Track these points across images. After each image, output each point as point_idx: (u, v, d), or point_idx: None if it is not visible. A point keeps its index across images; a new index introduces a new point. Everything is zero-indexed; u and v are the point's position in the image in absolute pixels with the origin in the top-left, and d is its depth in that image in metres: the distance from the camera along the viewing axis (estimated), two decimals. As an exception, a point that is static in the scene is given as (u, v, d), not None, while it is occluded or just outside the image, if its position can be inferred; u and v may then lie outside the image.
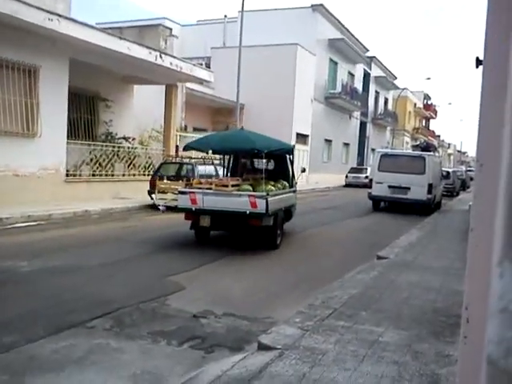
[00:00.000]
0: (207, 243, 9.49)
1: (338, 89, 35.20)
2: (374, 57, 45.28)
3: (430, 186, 16.53)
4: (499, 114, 0.85)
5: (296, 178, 11.24)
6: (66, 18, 12.67)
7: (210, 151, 10.86)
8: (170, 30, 20.99)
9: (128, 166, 16.67)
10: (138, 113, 19.57)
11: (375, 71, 45.99)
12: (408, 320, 4.84)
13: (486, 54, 1.04)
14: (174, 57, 17.10)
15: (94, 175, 15.16)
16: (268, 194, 8.70)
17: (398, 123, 50.66)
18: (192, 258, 8.03)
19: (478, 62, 1.24)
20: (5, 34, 11.59)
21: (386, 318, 4.84)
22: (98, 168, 15.37)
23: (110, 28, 18.30)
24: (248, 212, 8.50)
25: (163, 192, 10.40)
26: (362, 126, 43.68)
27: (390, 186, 16.85)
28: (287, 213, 10.32)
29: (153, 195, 11.17)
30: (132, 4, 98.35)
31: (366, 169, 32.07)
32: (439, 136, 74.33)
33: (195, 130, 25.11)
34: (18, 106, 12.48)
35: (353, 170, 33.73)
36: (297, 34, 29.86)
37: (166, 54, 16.57)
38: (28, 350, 4.07)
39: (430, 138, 60.76)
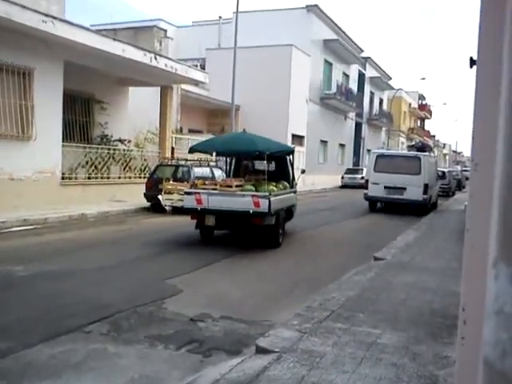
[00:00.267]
0: (205, 245, 9.50)
1: (333, 89, 35.27)
2: (369, 57, 45.39)
3: (426, 187, 16.57)
4: (493, 114, 0.84)
5: (296, 179, 11.57)
6: (61, 20, 12.63)
7: (214, 153, 11.30)
8: (165, 31, 21.00)
9: (124, 169, 16.64)
10: (134, 115, 19.53)
11: (370, 72, 46.10)
12: (405, 321, 4.84)
13: (480, 54, 1.04)
14: (169, 58, 17.09)
15: (89, 178, 15.12)
16: (270, 194, 9.06)
17: (393, 124, 50.79)
18: (189, 261, 8.01)
19: (472, 62, 1.24)
20: (-2, 36, 11.56)
21: (383, 320, 4.84)
22: (93, 171, 15.33)
23: (105, 30, 18.29)
24: (251, 211, 8.87)
25: (169, 193, 10.76)
26: (358, 126, 43.76)
27: (385, 187, 16.88)
28: (288, 212, 10.71)
29: (159, 196, 11.46)
30: (126, 5, 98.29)
31: (362, 169, 32.13)
32: (434, 136, 74.56)
33: (190, 131, 25.11)
34: (13, 109, 12.43)
35: (349, 171, 33.79)
36: (292, 35, 29.90)
37: (160, 55, 16.56)
38: (25, 355, 4.04)
39: (425, 138, 60.94)
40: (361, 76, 43.75)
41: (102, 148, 16.15)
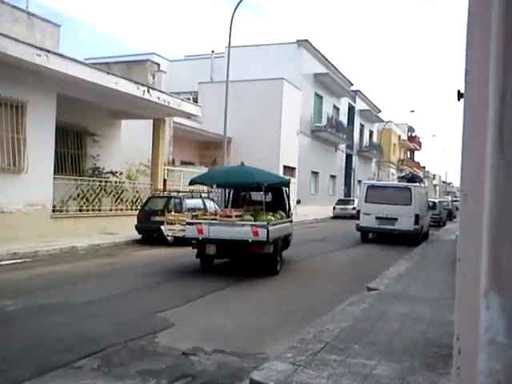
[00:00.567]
0: (198, 276, 9.45)
1: (324, 122, 35.76)
2: (359, 90, 46.23)
3: (417, 217, 16.65)
4: (481, 146, 0.87)
5: (292, 209, 11.92)
6: (55, 53, 12.82)
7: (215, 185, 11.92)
8: (158, 65, 21.30)
9: (115, 201, 16.59)
10: (126, 147, 19.61)
11: (360, 105, 46.89)
12: (400, 352, 4.80)
13: (467, 87, 1.07)
14: (162, 92, 17.30)
15: (80, 210, 15.04)
16: (268, 224, 9.46)
17: (383, 155, 51.37)
18: (182, 293, 7.93)
19: (460, 95, 1.27)
20: (-8, 69, 11.68)
21: (378, 351, 4.79)
22: (84, 203, 15.27)
23: (98, 63, 18.52)
24: (250, 240, 9.24)
25: (172, 223, 11.26)
26: (348, 158, 44.20)
27: (377, 217, 16.94)
28: (285, 241, 11.15)
29: (162, 226, 11.91)
30: (120, 41, 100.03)
31: (353, 200, 32.27)
32: (424, 167, 75.39)
33: (183, 163, 25.21)
34: (5, 141, 12.45)
35: (340, 202, 33.94)
36: (283, 69, 30.47)
37: (153, 88, 16.77)
38: (12, 392, 3.94)
39: (415, 169, 61.57)
40: (351, 109, 44.46)
41: (93, 180, 16.14)
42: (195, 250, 10.07)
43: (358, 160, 46.84)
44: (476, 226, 0.89)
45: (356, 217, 18.18)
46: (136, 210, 16.11)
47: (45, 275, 9.16)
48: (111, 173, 17.58)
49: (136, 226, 14.53)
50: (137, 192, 17.87)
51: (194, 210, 14.21)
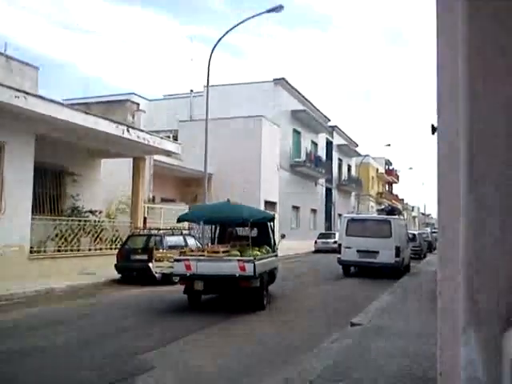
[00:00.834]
0: (182, 315, 9.26)
1: (303, 157, 36.23)
2: (336, 126, 47.16)
3: (398, 249, 16.75)
4: (455, 181, 0.88)
5: (277, 243, 12.20)
6: (33, 95, 12.84)
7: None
8: (138, 104, 21.47)
9: (94, 240, 16.36)
10: (106, 185, 19.51)
11: (337, 140, 47.74)
12: (386, 389, 4.74)
13: (439, 122, 1.11)
14: (142, 130, 17.39)
15: (59, 251, 14.78)
16: (255, 259, 9.70)
17: (362, 188, 52.01)
18: (162, 334, 7.76)
19: (434, 129, 1.31)
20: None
21: (363, 388, 4.72)
22: (63, 243, 15.01)
23: (78, 104, 18.59)
24: (237, 275, 9.43)
25: (160, 260, 11.20)
26: (328, 192, 44.62)
27: (358, 251, 16.98)
28: (271, 275, 11.35)
29: (150, 264, 12.09)
30: (99, 80, 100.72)
31: (335, 234, 32.38)
32: (403, 199, 76.39)
33: (163, 200, 25.09)
34: (-18, 183, 12.27)
35: (321, 236, 34.02)
36: (261, 106, 31.01)
37: (133, 127, 16.84)
38: None
39: (393, 201, 62.34)
40: (329, 144, 45.21)
41: (72, 220, 15.93)
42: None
43: (337, 194, 47.31)
44: (454, 259, 0.91)
45: (338, 250, 18.21)
46: (115, 249, 15.88)
47: (20, 318, 8.88)
48: (90, 212, 17.39)
49: (115, 266, 14.29)
50: (116, 231, 17.66)
51: (174, 247, 14.11)
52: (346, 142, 49.84)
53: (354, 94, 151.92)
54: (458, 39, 0.85)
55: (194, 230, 19.47)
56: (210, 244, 12.31)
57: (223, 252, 10.04)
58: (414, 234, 27.15)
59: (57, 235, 15.00)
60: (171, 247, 14.22)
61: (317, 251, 31.83)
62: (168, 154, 20.55)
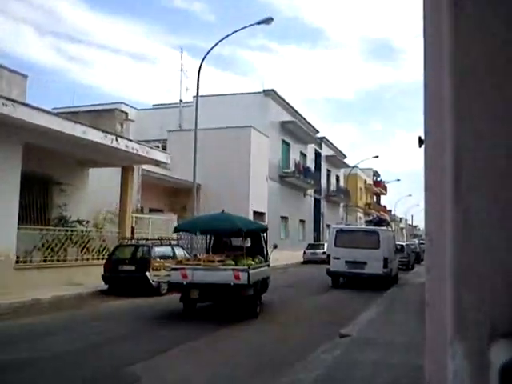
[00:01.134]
0: (170, 326, 9.17)
1: (292, 168, 36.34)
2: (324, 137, 47.45)
3: (386, 260, 16.82)
4: (443, 193, 0.89)
5: (269, 253, 12.48)
6: (21, 103, 12.74)
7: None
8: (126, 114, 21.41)
9: (81, 251, 16.18)
10: (93, 195, 19.35)
11: (326, 151, 48.01)
12: (374, 400, 4.74)
13: (426, 135, 1.13)
14: (130, 140, 17.31)
15: (45, 261, 14.58)
16: (249, 268, 10.09)
17: (350, 199, 52.23)
18: (150, 345, 7.68)
19: (421, 142, 1.32)
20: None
21: (352, 400, 4.72)
22: (49, 253, 14.83)
23: (66, 112, 18.49)
24: (232, 283, 9.76)
25: (157, 269, 11.66)
26: (317, 202, 44.74)
27: (347, 262, 17.01)
28: (264, 284, 11.61)
29: (147, 273, 12.38)
30: (89, 87, 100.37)
31: (323, 245, 32.41)
32: (391, 211, 76.81)
33: (152, 210, 24.96)
34: (-33, 192, 12.11)
35: (310, 246, 34.02)
36: (250, 117, 31.09)
37: (121, 137, 16.76)
38: None
39: (381, 212, 62.66)
40: (317, 155, 45.43)
41: (59, 230, 15.76)
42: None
43: (326, 205, 47.46)
44: (442, 271, 0.92)
45: (326, 261, 18.23)
46: (103, 259, 15.71)
47: (5, 330, 8.74)
48: (78, 222, 17.23)
49: (103, 276, 14.14)
50: (104, 241, 17.50)
51: (162, 257, 14.03)
52: (334, 154, 50.14)
53: (343, 105, 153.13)
54: (444, 54, 0.86)
55: (183, 241, 19.37)
56: (201, 254, 12.59)
57: (218, 261, 10.39)
58: (401, 245, 27.26)
59: (43, 245, 14.82)
60: (159, 257, 14.16)
61: (306, 262, 31.82)
62: (157, 163, 20.49)
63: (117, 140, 15.98)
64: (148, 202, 25.00)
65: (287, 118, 36.55)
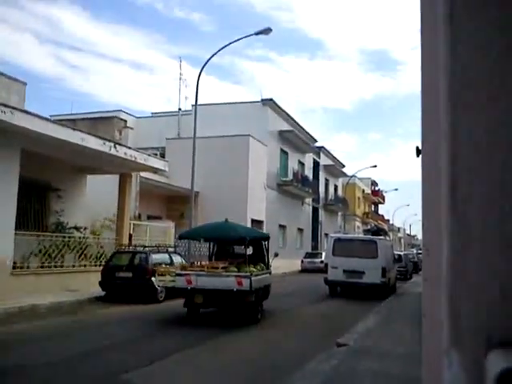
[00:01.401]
0: (166, 333, 9.12)
1: (290, 177, 36.40)
2: (323, 147, 47.59)
3: (384, 270, 16.79)
4: (439, 202, 0.90)
5: (270, 261, 12.80)
6: (20, 110, 12.75)
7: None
8: (125, 121, 21.45)
9: (79, 257, 16.14)
10: (91, 201, 19.34)
11: (324, 160, 48.12)
12: (371, 410, 4.71)
13: (424, 144, 1.14)
14: (129, 147, 17.32)
15: (42, 267, 14.53)
16: (251, 275, 10.45)
17: (348, 208, 52.27)
18: (146, 352, 7.63)
19: (418, 152, 1.33)
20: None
21: (348, 410, 4.69)
22: (47, 259, 14.78)
23: (64, 120, 18.51)
24: (235, 289, 10.10)
25: (162, 275, 11.63)
26: (315, 211, 44.76)
27: (344, 271, 16.98)
28: (265, 291, 11.93)
29: (153, 278, 12.52)
30: (88, 95, 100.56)
31: (321, 253, 32.38)
32: (388, 220, 76.88)
33: (149, 217, 24.94)
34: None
35: (308, 255, 33.98)
36: (249, 126, 31.16)
37: (120, 144, 16.77)
38: None
39: (379, 222, 62.69)
40: (315, 164, 45.52)
41: (56, 236, 15.72)
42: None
43: (324, 213, 47.47)
44: (439, 281, 0.92)
45: (324, 270, 18.19)
46: (100, 265, 15.67)
47: (2, 335, 8.68)
48: (75, 228, 17.20)
49: (100, 283, 14.10)
50: (101, 247, 17.45)
51: (160, 264, 14.01)
52: (332, 163, 50.26)
53: (341, 115, 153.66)
54: (440, 65, 0.87)
55: (180, 248, 19.34)
56: (198, 262, 12.71)
57: (222, 268, 10.77)
58: (399, 255, 27.22)
59: (40, 251, 14.77)
60: (156, 264, 14.13)
61: (303, 270, 31.77)
62: (155, 171, 20.50)
63: (115, 147, 15.99)
64: (146, 209, 24.99)
65: (285, 127, 36.67)
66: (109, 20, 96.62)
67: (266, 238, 13.27)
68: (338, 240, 18.08)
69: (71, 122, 17.80)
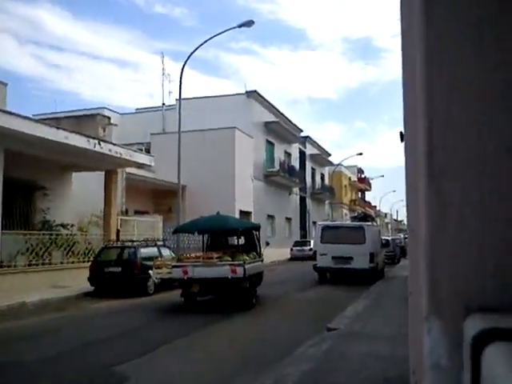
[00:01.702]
0: (156, 326, 9.16)
1: (276, 167, 36.46)
2: (308, 136, 47.65)
3: (372, 255, 16.97)
4: (420, 181, 0.93)
5: (262, 250, 13.33)
6: (2, 110, 12.62)
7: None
8: (109, 118, 21.28)
9: (66, 254, 16.08)
10: (77, 198, 19.19)
11: (310, 150, 48.22)
12: (362, 391, 4.81)
13: (407, 129, 1.18)
14: (114, 144, 17.21)
15: (30, 265, 14.46)
16: (245, 263, 11.04)
17: (335, 197, 52.54)
18: (137, 345, 7.67)
19: (402, 137, 1.36)
20: None
21: (340, 392, 4.78)
22: (34, 257, 14.70)
23: (48, 119, 18.30)
24: (230, 277, 10.65)
25: (159, 268, 12.23)
26: (302, 200, 44.93)
27: (333, 257, 17.13)
28: (258, 277, 12.53)
29: (150, 271, 12.97)
30: (70, 94, 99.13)
31: (310, 241, 32.57)
32: (375, 206, 77.36)
33: (137, 212, 24.83)
34: None
35: (297, 244, 34.21)
36: (234, 118, 31.08)
37: (104, 141, 16.67)
38: None
39: (366, 208, 63.07)
40: (302, 154, 45.61)
41: (43, 234, 15.62)
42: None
43: (311, 202, 47.67)
44: (421, 262, 0.94)
45: (313, 257, 18.34)
46: (88, 261, 15.64)
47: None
48: (62, 225, 17.10)
49: (89, 278, 14.08)
50: (89, 244, 17.40)
51: (149, 258, 14.05)
52: (318, 152, 50.38)
53: (326, 104, 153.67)
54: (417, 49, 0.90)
55: (169, 241, 19.32)
56: (186, 254, 12.81)
57: (216, 258, 11.26)
58: (387, 240, 27.53)
59: (27, 249, 14.69)
60: (145, 259, 14.17)
61: (292, 259, 31.95)
62: (140, 166, 20.41)
63: (100, 144, 15.90)
64: (133, 204, 24.86)
65: (271, 118, 36.65)
66: (89, 18, 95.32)
67: (257, 228, 13.80)
68: (325, 227, 18.22)
69: (55, 121, 17.63)
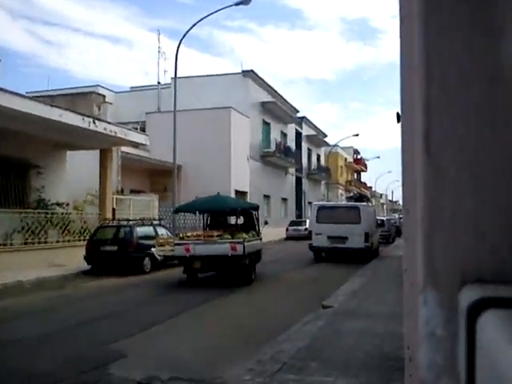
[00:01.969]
0: (153, 304, 9.23)
1: (272, 147, 36.36)
2: (304, 117, 47.43)
3: (367, 235, 17.08)
4: (416, 159, 0.93)
5: (261, 228, 13.76)
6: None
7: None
8: (104, 96, 21.07)
9: (62, 232, 16.08)
10: (72, 177, 19.11)
11: (306, 130, 48.04)
12: (357, 368, 4.88)
13: (403, 111, 1.17)
14: (108, 122, 17.07)
15: (26, 243, 14.48)
16: (244, 240, 11.49)
17: (331, 177, 52.59)
18: (134, 322, 7.72)
19: (398, 117, 1.36)
20: None
21: (335, 368, 4.85)
22: (30, 236, 14.71)
23: (42, 96, 18.11)
24: (230, 254, 11.14)
25: (161, 245, 12.46)
26: (298, 181, 44.96)
27: (329, 237, 17.24)
28: (257, 255, 13.02)
29: (152, 248, 13.15)
30: (64, 71, 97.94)
31: (305, 221, 32.73)
32: (371, 187, 77.56)
33: (132, 192, 24.80)
34: None
35: (293, 223, 34.39)
36: (230, 98, 30.85)
37: (99, 119, 16.52)
38: None
39: (362, 189, 63.25)
40: (298, 134, 45.44)
41: (38, 212, 15.59)
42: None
43: (307, 183, 47.72)
44: (417, 236, 0.95)
45: (309, 237, 18.46)
46: (84, 240, 15.66)
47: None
48: (57, 204, 17.06)
49: (85, 257, 14.13)
50: (84, 222, 17.40)
51: (145, 237, 14.10)
52: (315, 133, 50.22)
53: (323, 85, 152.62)
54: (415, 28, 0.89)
55: (165, 221, 19.36)
56: (181, 233, 13.18)
57: (217, 236, 11.76)
58: (382, 220, 27.70)
59: (23, 228, 14.68)
60: (141, 238, 14.23)
61: (288, 238, 32.15)
62: (135, 145, 20.30)
63: (94, 123, 15.75)
64: (129, 183, 24.82)
65: (267, 98, 36.39)
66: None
67: (256, 208, 14.19)
68: (321, 207, 18.29)
69: (49, 99, 17.43)
